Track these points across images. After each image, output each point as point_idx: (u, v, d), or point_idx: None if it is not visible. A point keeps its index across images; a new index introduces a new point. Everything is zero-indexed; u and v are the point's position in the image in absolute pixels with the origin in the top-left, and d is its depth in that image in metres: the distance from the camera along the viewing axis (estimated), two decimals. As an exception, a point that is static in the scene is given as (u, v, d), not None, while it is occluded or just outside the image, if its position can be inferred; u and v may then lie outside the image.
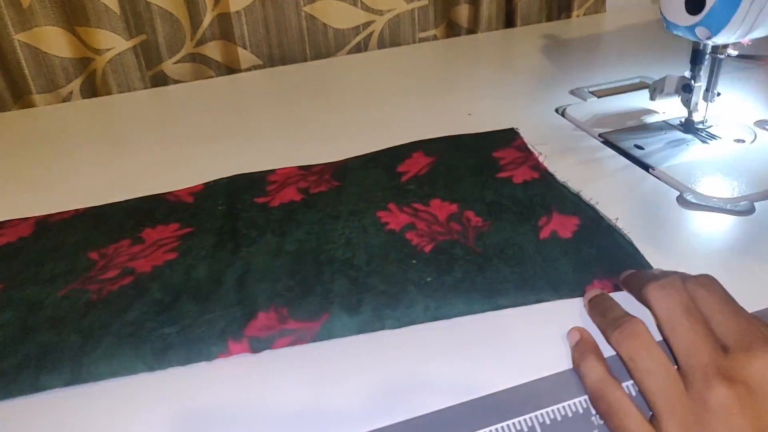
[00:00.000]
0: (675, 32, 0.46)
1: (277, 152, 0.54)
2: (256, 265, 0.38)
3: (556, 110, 0.58)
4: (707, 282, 0.30)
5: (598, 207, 0.42)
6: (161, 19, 0.72)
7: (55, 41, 0.69)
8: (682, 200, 0.43)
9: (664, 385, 0.27)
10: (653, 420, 0.27)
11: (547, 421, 0.29)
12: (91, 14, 0.66)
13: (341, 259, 0.38)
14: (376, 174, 0.48)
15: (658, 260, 0.37)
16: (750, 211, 0.41)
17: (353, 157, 0.51)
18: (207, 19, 0.75)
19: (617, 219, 0.40)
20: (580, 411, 0.29)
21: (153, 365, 0.32)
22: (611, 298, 0.33)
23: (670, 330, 0.28)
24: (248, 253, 0.40)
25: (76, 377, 0.31)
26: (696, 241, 0.39)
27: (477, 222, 0.41)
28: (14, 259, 0.41)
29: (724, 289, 0.30)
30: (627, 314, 0.30)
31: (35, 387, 0.31)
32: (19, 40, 0.67)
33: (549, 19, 0.88)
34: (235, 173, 0.50)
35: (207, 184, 0.49)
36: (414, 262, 0.38)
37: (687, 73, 0.50)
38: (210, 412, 0.30)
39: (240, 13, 0.74)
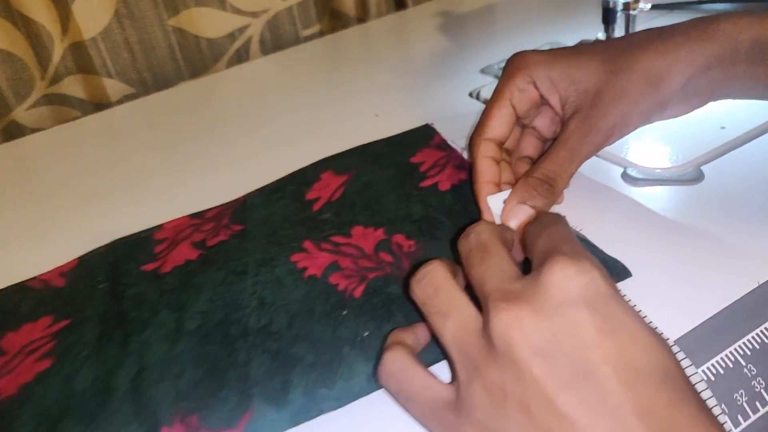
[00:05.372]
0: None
1: (162, 201, 0.45)
2: (151, 358, 0.31)
3: (470, 94, 0.53)
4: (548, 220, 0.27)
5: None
6: (0, 61, 0.62)
7: None
8: (627, 177, 0.38)
9: (454, 327, 0.24)
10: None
11: None
12: None
13: (256, 328, 0.31)
14: (282, 207, 0.41)
15: (603, 241, 0.33)
16: (698, 178, 0.37)
17: (254, 191, 0.44)
18: (57, 53, 0.64)
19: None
20: None
21: None
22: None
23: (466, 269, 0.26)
24: (140, 344, 0.32)
25: None
26: (645, 217, 0.35)
27: (410, 247, 0.35)
28: None
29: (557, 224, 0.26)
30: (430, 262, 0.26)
31: None
32: None
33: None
34: (112, 238, 0.41)
35: (81, 259, 0.40)
36: (345, 313, 0.31)
37: (600, 34, 0.46)
38: None
39: (96, 39, 0.64)
